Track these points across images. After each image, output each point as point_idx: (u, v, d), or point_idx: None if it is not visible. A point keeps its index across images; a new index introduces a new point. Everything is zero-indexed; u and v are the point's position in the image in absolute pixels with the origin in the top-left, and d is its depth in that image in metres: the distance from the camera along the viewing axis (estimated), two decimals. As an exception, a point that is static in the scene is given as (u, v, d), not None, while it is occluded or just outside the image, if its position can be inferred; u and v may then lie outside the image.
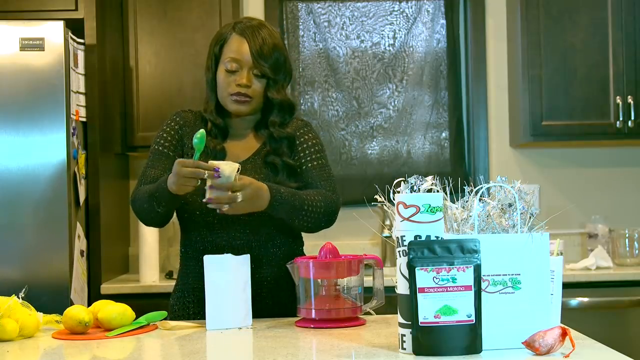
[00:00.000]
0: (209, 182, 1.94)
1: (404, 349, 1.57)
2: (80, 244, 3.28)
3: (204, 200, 1.96)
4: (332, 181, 2.22)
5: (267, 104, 2.22)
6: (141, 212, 2.15)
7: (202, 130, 1.98)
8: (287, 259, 2.07)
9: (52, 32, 3.14)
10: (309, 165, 2.21)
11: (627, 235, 3.81)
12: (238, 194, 1.95)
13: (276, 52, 2.18)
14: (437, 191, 1.60)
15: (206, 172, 1.92)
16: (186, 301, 2.21)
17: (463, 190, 1.71)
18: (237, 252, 2.06)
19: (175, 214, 2.23)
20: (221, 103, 2.21)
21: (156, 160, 2.20)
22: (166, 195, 2.02)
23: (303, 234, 2.30)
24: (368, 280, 2.00)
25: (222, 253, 2.02)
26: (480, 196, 1.63)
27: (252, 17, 2.27)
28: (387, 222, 3.84)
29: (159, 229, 3.61)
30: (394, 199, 1.60)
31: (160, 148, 2.21)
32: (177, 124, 2.25)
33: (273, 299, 2.17)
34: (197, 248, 2.19)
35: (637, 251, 3.81)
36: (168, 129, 2.24)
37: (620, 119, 3.70)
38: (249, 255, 1.98)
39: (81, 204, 3.30)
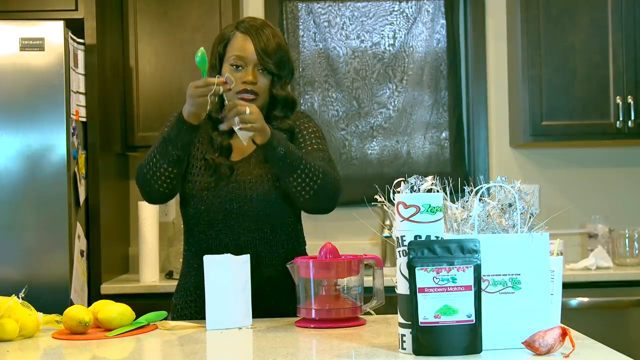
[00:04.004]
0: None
1: (404, 349, 1.57)
2: (80, 244, 3.28)
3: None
4: (333, 164, 2.20)
5: (271, 101, 2.23)
6: (149, 172, 2.10)
7: (201, 48, 2.03)
8: (289, 258, 2.06)
9: (52, 32, 3.14)
10: (309, 149, 2.19)
11: (627, 235, 3.81)
12: (247, 107, 1.99)
13: (280, 50, 2.19)
14: (437, 191, 1.60)
15: (216, 84, 1.99)
16: (188, 300, 2.21)
17: (463, 190, 1.71)
18: (240, 250, 2.06)
19: (180, 211, 2.24)
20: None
21: None
22: (182, 128, 2.03)
23: (305, 233, 2.31)
24: (368, 280, 2.00)
25: (226, 251, 2.02)
26: (480, 196, 1.63)
27: (255, 17, 2.28)
28: (387, 222, 3.84)
29: (159, 230, 3.62)
30: (394, 199, 1.60)
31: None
32: None
33: (275, 299, 2.17)
34: (200, 246, 2.18)
35: (637, 251, 3.81)
36: None
37: (620, 119, 3.70)
38: (248, 256, 1.99)
39: (81, 204, 3.30)
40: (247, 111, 1.98)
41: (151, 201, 2.21)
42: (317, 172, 2.08)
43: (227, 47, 2.21)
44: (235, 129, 2.01)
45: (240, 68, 2.17)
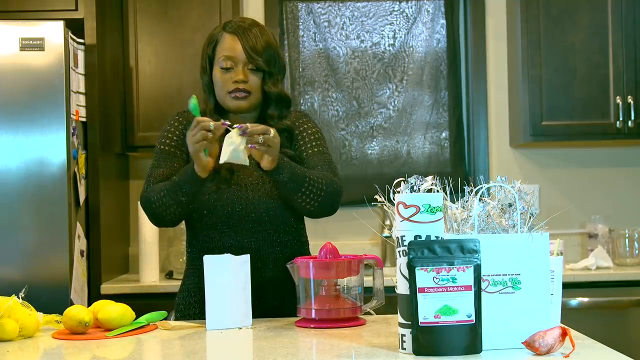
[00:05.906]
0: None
1: (404, 349, 1.57)
2: (80, 244, 3.28)
3: (236, 126, 1.96)
4: (334, 167, 2.21)
5: (264, 99, 2.23)
6: (159, 209, 2.11)
7: (192, 99, 2.01)
8: (292, 259, 2.05)
9: (52, 32, 3.14)
10: (309, 152, 2.20)
11: (627, 235, 3.81)
12: (271, 129, 1.96)
13: (269, 48, 2.19)
14: (437, 191, 1.60)
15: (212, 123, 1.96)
16: (192, 300, 2.21)
17: (463, 190, 1.71)
18: (243, 251, 2.06)
19: None
20: (220, 102, 2.22)
21: (162, 160, 2.19)
22: (193, 179, 2.03)
23: (307, 233, 2.31)
24: (368, 280, 2.00)
25: (229, 253, 2.02)
26: (480, 196, 1.63)
27: (244, 18, 2.29)
28: (387, 222, 3.84)
29: (159, 230, 3.62)
30: (394, 199, 1.60)
31: (166, 148, 2.20)
32: (180, 124, 2.25)
33: (278, 299, 2.17)
34: (203, 248, 2.18)
35: (637, 251, 3.81)
36: (172, 129, 2.24)
37: (620, 119, 3.70)
38: (248, 255, 1.98)
39: (81, 204, 3.30)
40: (272, 133, 1.96)
41: (159, 227, 2.24)
42: (321, 186, 2.09)
43: (216, 49, 2.21)
44: (233, 146, 1.97)
45: (230, 68, 2.17)
